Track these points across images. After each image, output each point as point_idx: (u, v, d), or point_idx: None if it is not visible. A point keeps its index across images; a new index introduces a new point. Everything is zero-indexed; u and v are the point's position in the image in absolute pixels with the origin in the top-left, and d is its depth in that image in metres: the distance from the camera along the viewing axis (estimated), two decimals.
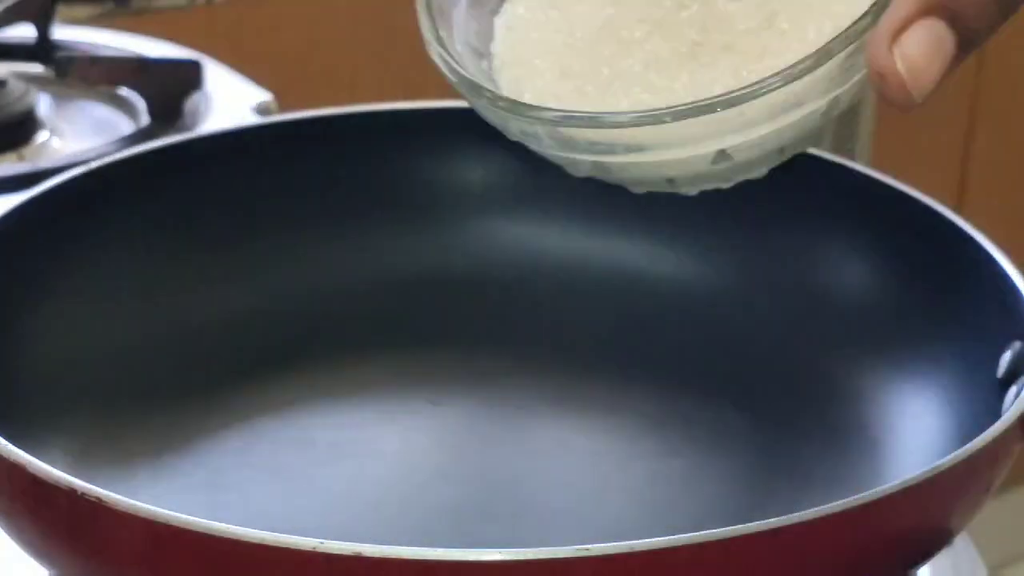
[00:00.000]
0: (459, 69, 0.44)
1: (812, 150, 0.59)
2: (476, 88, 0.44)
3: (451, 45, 0.45)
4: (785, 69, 0.39)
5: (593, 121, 0.42)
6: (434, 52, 0.45)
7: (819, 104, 0.41)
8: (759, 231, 0.60)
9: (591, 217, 0.62)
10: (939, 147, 1.63)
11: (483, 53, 0.47)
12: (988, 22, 0.38)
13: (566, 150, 0.44)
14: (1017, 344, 0.48)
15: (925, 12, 0.37)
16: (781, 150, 0.44)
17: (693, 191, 0.44)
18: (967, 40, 0.37)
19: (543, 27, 0.47)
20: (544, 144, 0.44)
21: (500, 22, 0.47)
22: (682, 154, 0.42)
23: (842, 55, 0.39)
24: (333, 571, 0.37)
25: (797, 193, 0.59)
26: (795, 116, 0.41)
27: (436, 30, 0.45)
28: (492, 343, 0.58)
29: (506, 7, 0.48)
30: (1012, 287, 0.50)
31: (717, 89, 0.41)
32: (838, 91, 0.41)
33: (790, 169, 0.60)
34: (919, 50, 0.36)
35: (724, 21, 0.43)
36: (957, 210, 0.54)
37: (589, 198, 0.62)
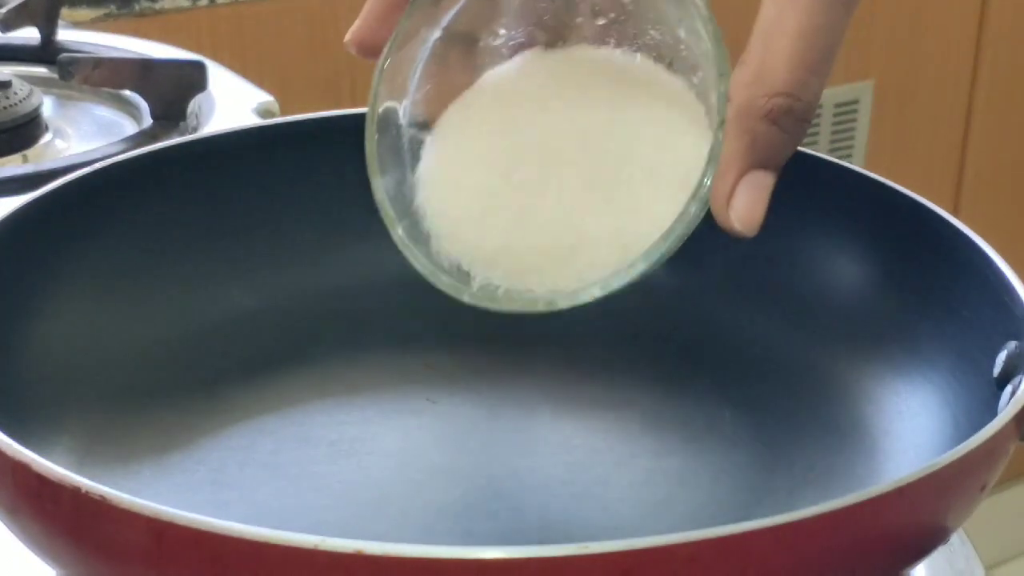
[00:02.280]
0: (413, 253, 0.50)
1: (809, 151, 0.59)
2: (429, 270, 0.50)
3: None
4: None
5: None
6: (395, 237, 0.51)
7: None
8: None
9: None
10: (935, 148, 1.63)
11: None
12: (792, 147, 0.46)
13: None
14: (1013, 343, 0.48)
15: (743, 172, 0.45)
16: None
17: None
18: (781, 166, 0.46)
19: (454, 182, 0.50)
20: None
21: (418, 177, 0.51)
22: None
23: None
24: (334, 569, 0.37)
25: (793, 194, 0.59)
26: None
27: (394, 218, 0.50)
28: (492, 343, 0.59)
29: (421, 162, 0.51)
30: (1008, 287, 0.50)
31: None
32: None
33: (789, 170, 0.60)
34: (745, 205, 0.45)
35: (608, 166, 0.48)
36: (953, 211, 0.54)
37: None
